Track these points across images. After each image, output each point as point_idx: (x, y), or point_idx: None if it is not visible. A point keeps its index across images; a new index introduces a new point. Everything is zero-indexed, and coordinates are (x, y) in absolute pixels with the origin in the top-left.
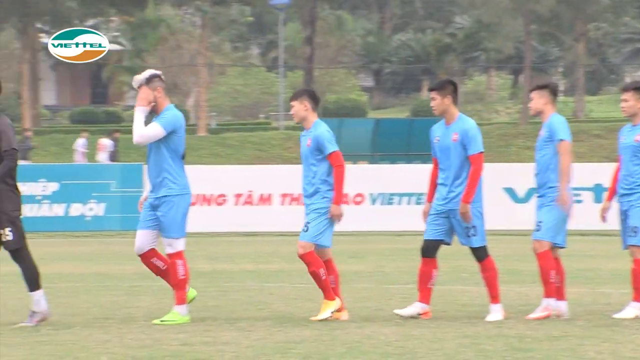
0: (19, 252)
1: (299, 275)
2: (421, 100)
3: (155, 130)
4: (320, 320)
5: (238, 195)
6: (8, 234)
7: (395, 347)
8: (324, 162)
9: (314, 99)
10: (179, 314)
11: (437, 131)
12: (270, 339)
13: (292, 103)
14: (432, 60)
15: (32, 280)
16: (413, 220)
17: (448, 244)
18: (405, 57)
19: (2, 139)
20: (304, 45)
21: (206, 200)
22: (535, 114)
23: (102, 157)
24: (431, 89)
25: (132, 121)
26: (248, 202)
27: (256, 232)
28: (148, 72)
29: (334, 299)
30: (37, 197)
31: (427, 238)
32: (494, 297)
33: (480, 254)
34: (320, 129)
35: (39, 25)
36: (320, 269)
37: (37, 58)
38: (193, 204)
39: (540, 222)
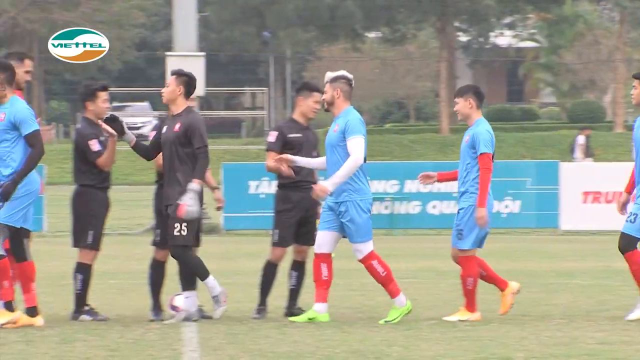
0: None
1: None
2: None
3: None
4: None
5: None
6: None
7: None
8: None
9: (479, 96)
10: (397, 307)
11: None
12: None
13: (456, 100)
14: None
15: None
16: None
17: None
18: None
19: (195, 136)
20: None
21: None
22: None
23: (578, 154)
24: None
25: (547, 119)
26: None
27: None
28: (339, 73)
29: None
30: (454, 193)
31: None
32: None
33: None
34: (479, 128)
35: (456, 24)
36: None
37: (454, 56)
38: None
39: None
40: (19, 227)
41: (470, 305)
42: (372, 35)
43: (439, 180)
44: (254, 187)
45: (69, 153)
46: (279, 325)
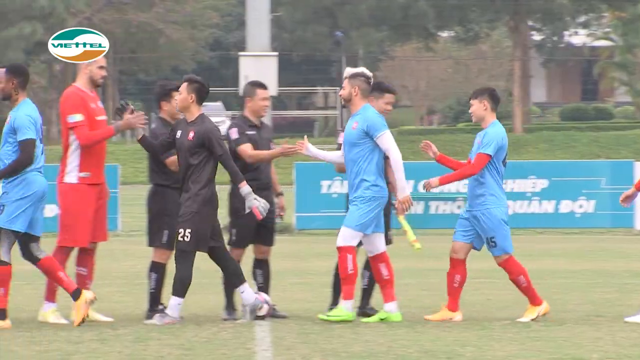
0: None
1: None
2: None
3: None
4: None
5: None
6: (186, 235)
7: None
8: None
9: (494, 98)
10: (343, 309)
11: None
12: None
13: (472, 102)
14: None
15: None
16: None
17: None
18: None
19: (214, 145)
20: None
21: None
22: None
23: None
24: None
25: (622, 118)
26: None
27: None
28: (358, 69)
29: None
30: (527, 193)
31: None
32: None
33: None
34: (490, 129)
35: (530, 23)
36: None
37: (528, 55)
38: None
39: None
40: (23, 231)
41: (534, 299)
42: (444, 34)
43: (438, 161)
44: (326, 187)
45: (143, 153)
46: (351, 325)
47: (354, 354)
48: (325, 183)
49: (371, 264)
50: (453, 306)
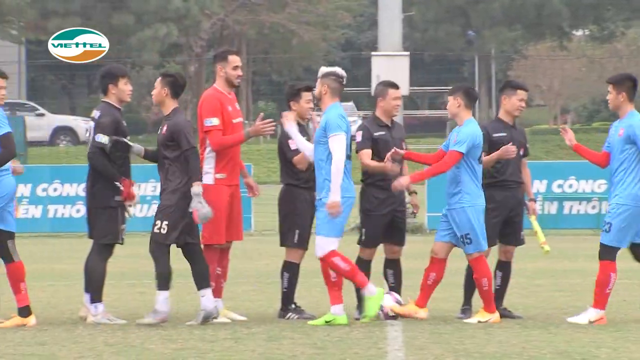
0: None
1: None
2: None
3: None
4: None
5: None
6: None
7: None
8: None
9: (469, 95)
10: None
11: None
12: None
13: (448, 98)
14: None
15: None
16: None
17: None
18: None
19: (181, 138)
20: None
21: None
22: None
23: None
24: None
25: None
26: None
27: None
28: (330, 69)
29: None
30: None
31: None
32: None
33: None
34: (466, 129)
35: None
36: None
37: None
38: None
39: None
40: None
41: (489, 305)
42: (579, 33)
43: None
44: None
45: (275, 152)
46: (484, 325)
47: (487, 354)
48: None
49: (321, 265)
50: (421, 302)
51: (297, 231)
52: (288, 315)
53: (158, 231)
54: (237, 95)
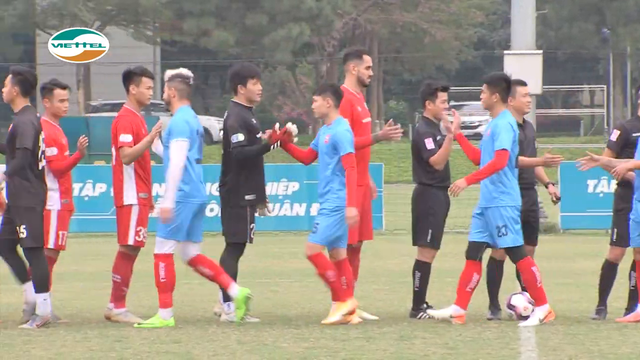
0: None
1: None
2: None
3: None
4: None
5: None
6: (22, 232)
7: None
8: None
9: (337, 95)
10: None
11: None
12: None
13: (315, 98)
14: None
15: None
16: None
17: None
18: None
19: (16, 138)
20: None
21: None
22: None
23: None
24: None
25: None
26: None
27: None
28: (175, 71)
29: (345, 301)
30: None
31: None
32: None
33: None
34: (340, 128)
35: None
36: (328, 271)
37: None
38: None
39: None
40: None
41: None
42: None
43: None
44: (592, 186)
45: (406, 152)
46: (619, 326)
47: (622, 355)
48: (591, 182)
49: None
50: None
51: (430, 230)
52: (420, 315)
53: (22, 236)
54: (368, 95)
